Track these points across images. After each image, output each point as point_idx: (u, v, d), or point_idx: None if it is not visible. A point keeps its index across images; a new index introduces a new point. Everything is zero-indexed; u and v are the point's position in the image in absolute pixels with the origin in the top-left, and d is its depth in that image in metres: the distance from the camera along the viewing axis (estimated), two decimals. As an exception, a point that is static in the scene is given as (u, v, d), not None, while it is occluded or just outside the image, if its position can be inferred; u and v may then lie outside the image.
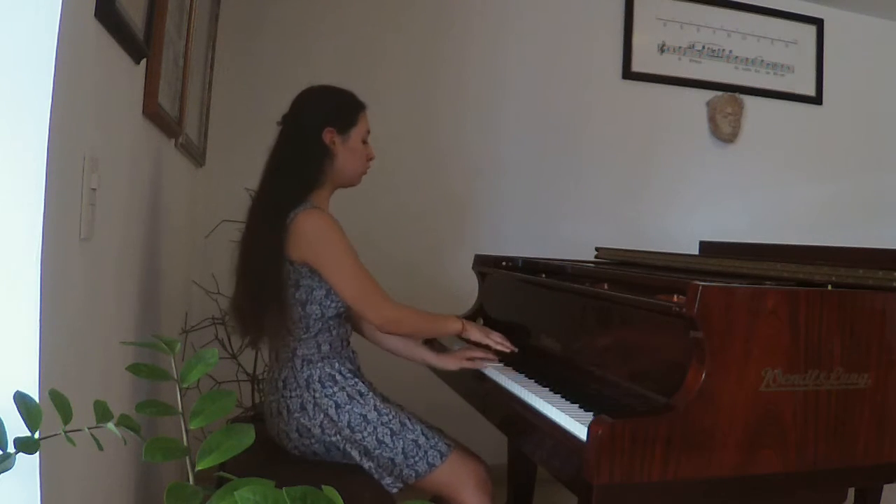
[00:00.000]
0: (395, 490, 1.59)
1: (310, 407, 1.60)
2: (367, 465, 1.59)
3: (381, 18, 2.91)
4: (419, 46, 2.97)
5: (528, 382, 1.57)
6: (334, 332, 1.66)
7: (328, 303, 1.63)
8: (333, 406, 1.60)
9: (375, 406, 1.62)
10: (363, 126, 1.73)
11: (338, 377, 1.63)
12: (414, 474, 1.60)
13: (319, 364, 1.63)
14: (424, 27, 2.98)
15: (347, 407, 1.60)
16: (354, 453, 1.59)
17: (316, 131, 1.66)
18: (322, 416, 1.59)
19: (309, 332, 1.63)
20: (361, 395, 1.63)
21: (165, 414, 0.80)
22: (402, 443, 1.60)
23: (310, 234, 1.58)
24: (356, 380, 1.65)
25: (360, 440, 1.59)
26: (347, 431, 1.59)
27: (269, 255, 1.58)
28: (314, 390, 1.61)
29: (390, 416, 1.62)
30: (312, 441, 1.61)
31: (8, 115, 0.81)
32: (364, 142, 1.73)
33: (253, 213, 1.66)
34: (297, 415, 1.60)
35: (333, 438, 1.59)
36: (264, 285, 1.59)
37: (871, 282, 1.38)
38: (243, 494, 0.61)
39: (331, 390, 1.61)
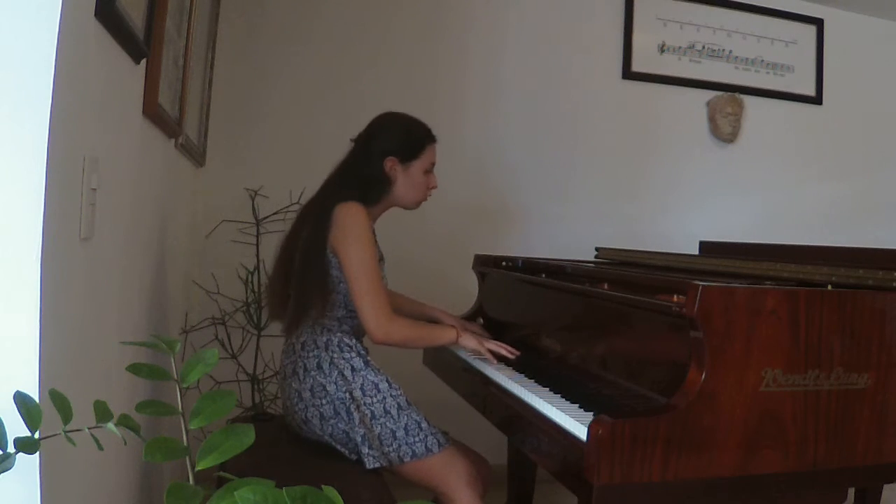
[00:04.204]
0: (374, 465, 1.59)
1: (326, 365, 1.67)
2: (359, 433, 1.60)
3: (380, 18, 2.91)
4: (418, 46, 2.97)
5: (528, 382, 1.57)
6: (354, 321, 1.74)
7: (350, 296, 1.70)
8: (349, 368, 1.66)
9: (387, 379, 1.69)
10: (427, 159, 1.83)
11: (354, 347, 1.71)
12: (410, 454, 1.62)
13: (339, 333, 1.71)
14: (424, 26, 2.98)
15: (363, 372, 1.66)
16: (356, 416, 1.61)
17: (379, 158, 1.77)
18: (337, 373, 1.65)
19: (333, 313, 1.72)
20: (375, 368, 1.69)
21: (165, 414, 0.80)
22: (406, 419, 1.64)
23: (342, 221, 1.68)
24: (370, 357, 1.72)
25: (369, 405, 1.63)
26: (359, 393, 1.64)
27: (314, 241, 1.69)
28: (332, 351, 1.68)
29: (399, 392, 1.68)
30: (324, 401, 1.64)
31: (8, 115, 0.81)
32: (427, 172, 1.82)
33: (303, 209, 1.80)
34: (313, 373, 1.66)
35: (344, 395, 1.63)
36: (308, 268, 1.68)
37: (871, 282, 1.38)
38: (243, 494, 0.61)
39: (348, 355, 1.68)
